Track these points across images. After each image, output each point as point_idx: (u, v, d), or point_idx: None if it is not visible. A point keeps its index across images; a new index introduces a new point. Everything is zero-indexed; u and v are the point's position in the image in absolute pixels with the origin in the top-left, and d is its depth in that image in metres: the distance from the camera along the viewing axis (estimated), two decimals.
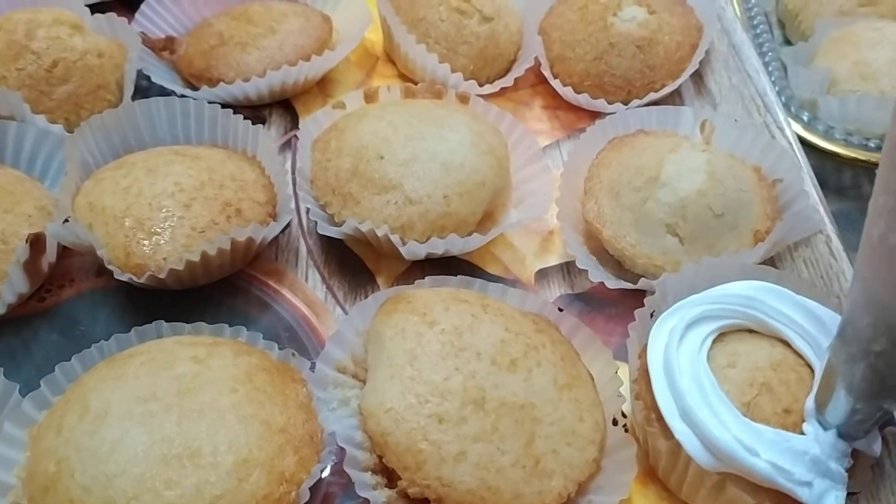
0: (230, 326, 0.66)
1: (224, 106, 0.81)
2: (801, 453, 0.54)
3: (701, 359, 0.59)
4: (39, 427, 0.56)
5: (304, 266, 0.77)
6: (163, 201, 0.69)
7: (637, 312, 0.65)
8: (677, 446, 0.57)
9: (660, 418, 0.59)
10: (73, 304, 0.73)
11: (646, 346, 0.62)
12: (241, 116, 0.80)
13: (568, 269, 0.78)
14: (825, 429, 0.55)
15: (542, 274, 0.78)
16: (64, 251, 0.74)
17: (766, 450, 0.54)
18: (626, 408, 0.63)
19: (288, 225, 0.79)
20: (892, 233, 0.43)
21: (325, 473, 0.61)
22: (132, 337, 0.64)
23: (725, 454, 0.54)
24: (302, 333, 0.72)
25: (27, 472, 0.54)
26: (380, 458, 0.56)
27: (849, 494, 0.55)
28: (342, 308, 0.74)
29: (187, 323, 0.66)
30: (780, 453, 0.54)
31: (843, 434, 0.55)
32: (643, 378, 0.61)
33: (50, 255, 0.72)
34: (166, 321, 0.65)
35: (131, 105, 0.79)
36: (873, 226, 0.45)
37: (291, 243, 0.79)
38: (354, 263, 0.78)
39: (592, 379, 0.63)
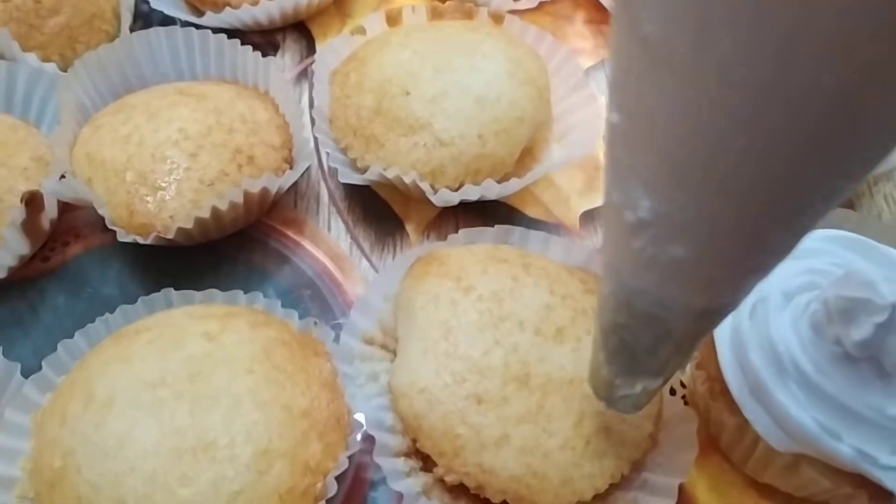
0: (247, 285, 0.60)
1: (233, 33, 0.73)
2: (886, 437, 0.47)
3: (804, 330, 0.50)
4: (43, 413, 0.52)
5: (325, 214, 0.70)
6: (166, 151, 0.62)
7: None
8: (745, 422, 0.51)
9: (725, 391, 0.52)
10: (80, 263, 0.67)
11: None
12: (251, 48, 0.71)
13: None
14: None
15: (588, 216, 0.70)
16: (66, 205, 0.68)
17: (850, 434, 0.47)
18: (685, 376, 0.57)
19: (307, 169, 0.72)
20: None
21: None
22: (139, 308, 0.58)
23: (804, 437, 0.48)
24: (325, 290, 0.66)
25: (32, 463, 0.50)
26: (413, 440, 0.51)
27: None
28: (368, 260, 0.68)
29: (199, 284, 0.60)
30: (865, 437, 0.47)
31: (614, 408, 0.46)
32: (706, 345, 0.55)
33: (50, 211, 0.66)
34: (178, 279, 0.60)
35: (129, 38, 0.71)
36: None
37: (311, 188, 0.72)
38: (381, 209, 0.71)
39: None
